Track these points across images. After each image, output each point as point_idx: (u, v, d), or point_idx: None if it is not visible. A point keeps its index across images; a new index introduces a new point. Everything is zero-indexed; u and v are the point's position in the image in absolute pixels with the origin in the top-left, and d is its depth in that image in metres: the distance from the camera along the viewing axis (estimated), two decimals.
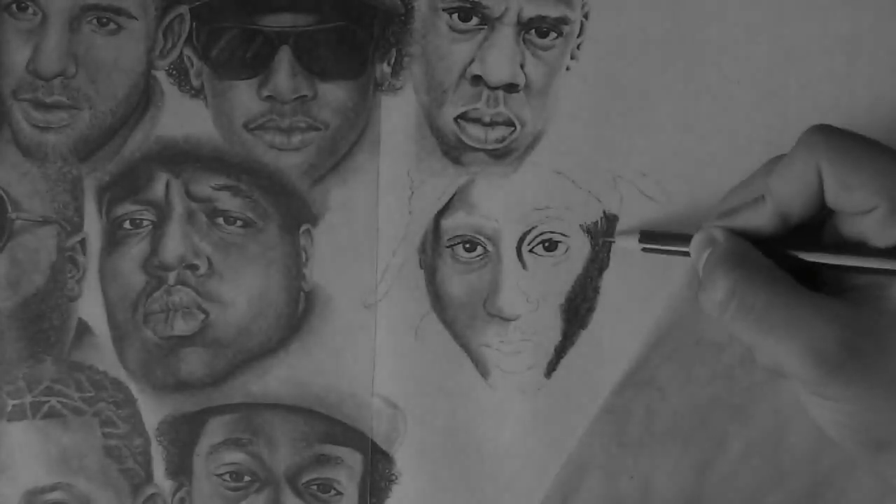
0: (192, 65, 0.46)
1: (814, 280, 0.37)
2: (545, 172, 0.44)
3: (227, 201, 0.46)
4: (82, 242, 0.46)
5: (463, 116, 0.45)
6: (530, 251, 0.45)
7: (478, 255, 0.45)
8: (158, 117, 0.46)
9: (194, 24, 0.45)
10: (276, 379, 0.46)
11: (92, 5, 0.45)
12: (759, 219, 0.37)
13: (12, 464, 0.46)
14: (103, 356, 0.46)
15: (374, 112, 0.45)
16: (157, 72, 0.46)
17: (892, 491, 0.41)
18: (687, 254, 0.39)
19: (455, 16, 0.45)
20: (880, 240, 0.35)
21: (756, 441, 0.42)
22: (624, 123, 0.44)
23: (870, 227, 0.35)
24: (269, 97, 0.45)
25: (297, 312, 0.46)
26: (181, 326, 0.46)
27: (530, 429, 0.45)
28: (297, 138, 0.45)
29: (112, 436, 0.46)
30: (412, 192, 0.45)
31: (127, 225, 0.46)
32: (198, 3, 0.45)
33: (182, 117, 0.46)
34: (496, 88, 0.45)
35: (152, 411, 0.46)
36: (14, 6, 0.46)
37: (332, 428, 0.46)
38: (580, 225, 0.44)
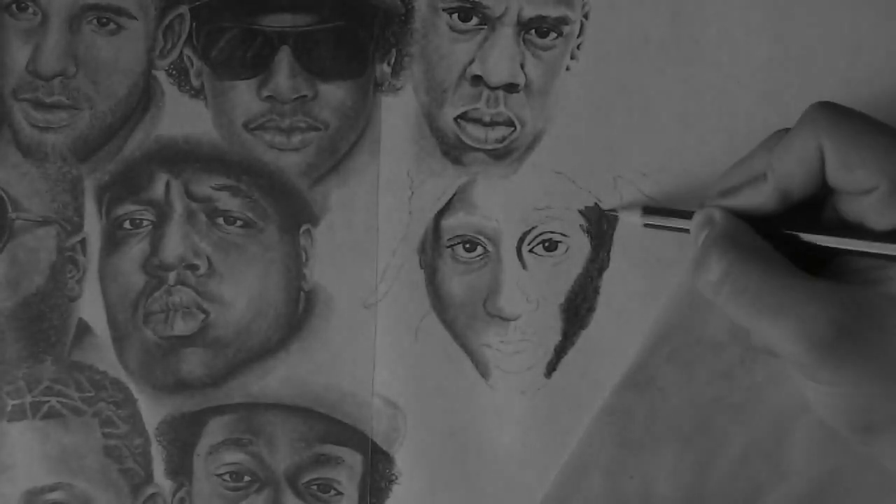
0: (192, 65, 0.46)
1: (812, 263, 0.37)
2: (545, 172, 0.44)
3: (227, 201, 0.46)
4: (82, 242, 0.46)
5: (463, 116, 0.45)
6: (530, 251, 0.45)
7: (478, 256, 0.45)
8: (158, 117, 0.46)
9: (194, 24, 0.45)
10: (276, 379, 0.46)
11: (92, 5, 0.45)
12: (760, 196, 0.37)
13: (12, 464, 0.46)
14: (103, 356, 0.46)
15: (374, 112, 0.45)
16: (157, 72, 0.46)
17: (893, 491, 0.41)
18: (688, 230, 0.39)
19: (455, 16, 0.45)
20: (879, 222, 0.35)
21: (756, 441, 0.42)
22: (624, 123, 0.44)
23: (869, 207, 0.35)
24: (269, 97, 0.45)
25: (298, 312, 0.46)
26: (181, 326, 0.46)
27: (530, 429, 0.44)
28: (297, 138, 0.45)
29: (112, 436, 0.46)
30: (412, 193, 0.45)
31: (127, 225, 0.46)
32: (198, 3, 0.45)
33: (182, 117, 0.46)
34: (496, 88, 0.45)
35: (152, 411, 0.46)
36: (14, 6, 0.46)
37: (332, 428, 0.45)
38: (580, 225, 0.44)
